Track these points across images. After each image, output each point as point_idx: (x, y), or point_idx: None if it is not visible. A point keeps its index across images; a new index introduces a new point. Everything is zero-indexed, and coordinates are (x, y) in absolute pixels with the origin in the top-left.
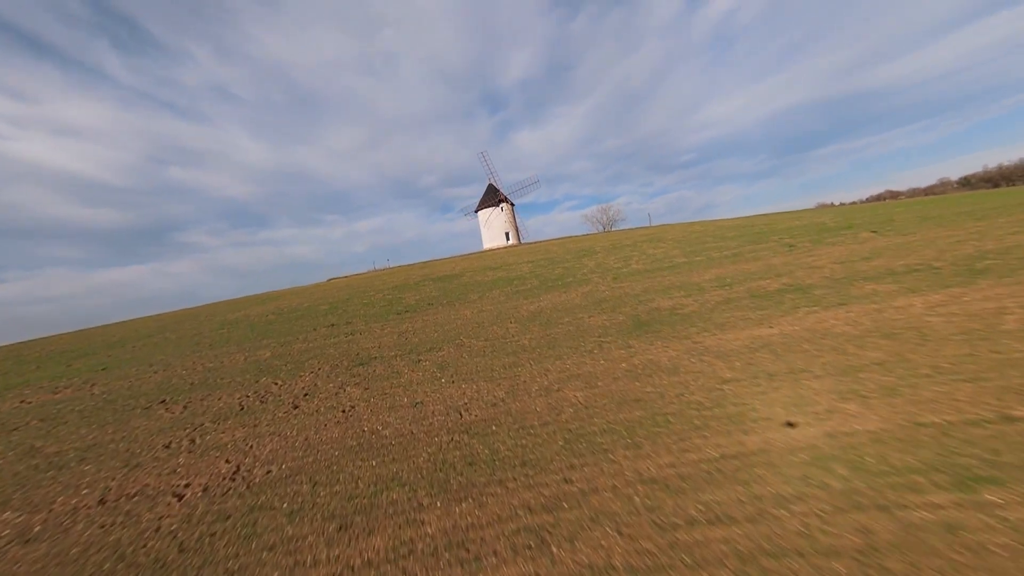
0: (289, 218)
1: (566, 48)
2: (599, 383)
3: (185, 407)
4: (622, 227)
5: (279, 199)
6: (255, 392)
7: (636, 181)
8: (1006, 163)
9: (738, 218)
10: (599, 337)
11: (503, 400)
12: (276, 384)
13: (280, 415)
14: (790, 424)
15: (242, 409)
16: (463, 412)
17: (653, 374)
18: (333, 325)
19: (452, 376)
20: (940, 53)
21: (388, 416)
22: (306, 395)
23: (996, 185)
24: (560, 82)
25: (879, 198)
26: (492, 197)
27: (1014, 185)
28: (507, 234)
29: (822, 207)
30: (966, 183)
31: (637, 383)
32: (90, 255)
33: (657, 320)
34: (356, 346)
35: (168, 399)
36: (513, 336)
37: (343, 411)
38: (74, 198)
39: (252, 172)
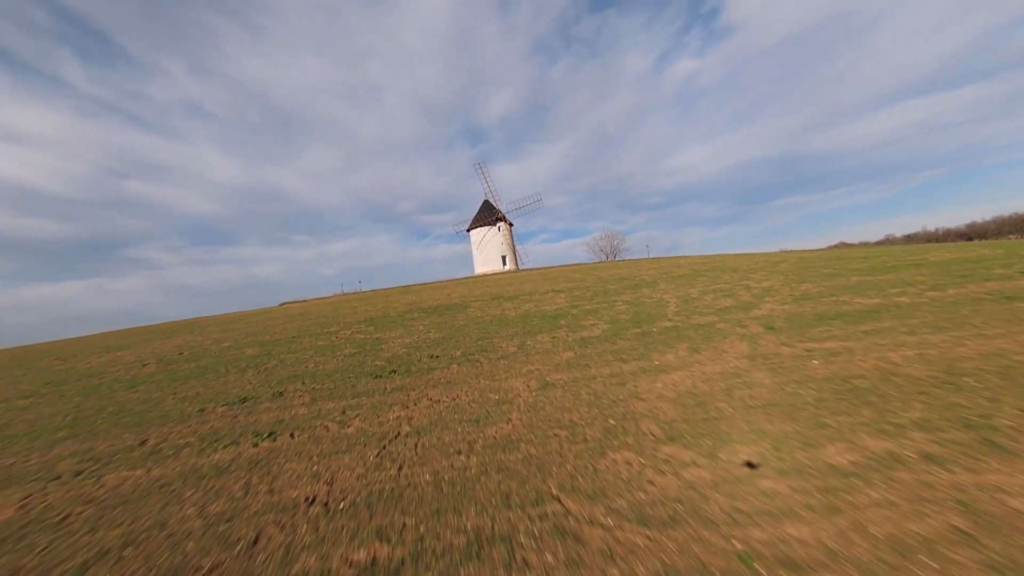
0: (256, 237)
1: (545, 91)
2: None
3: None
4: (627, 257)
5: (247, 217)
6: None
7: (608, 218)
8: (979, 220)
9: (807, 251)
10: None
11: None
12: None
13: None
14: None
15: None
16: None
17: None
18: (245, 401)
19: None
20: (870, 127)
21: None
22: None
23: (971, 239)
24: (539, 122)
25: (835, 248)
26: (488, 215)
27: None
28: (504, 258)
29: (784, 251)
30: (910, 239)
31: None
32: (18, 268)
33: None
34: (263, 489)
35: None
36: (721, 511)
37: None
38: (7, 207)
39: (220, 189)
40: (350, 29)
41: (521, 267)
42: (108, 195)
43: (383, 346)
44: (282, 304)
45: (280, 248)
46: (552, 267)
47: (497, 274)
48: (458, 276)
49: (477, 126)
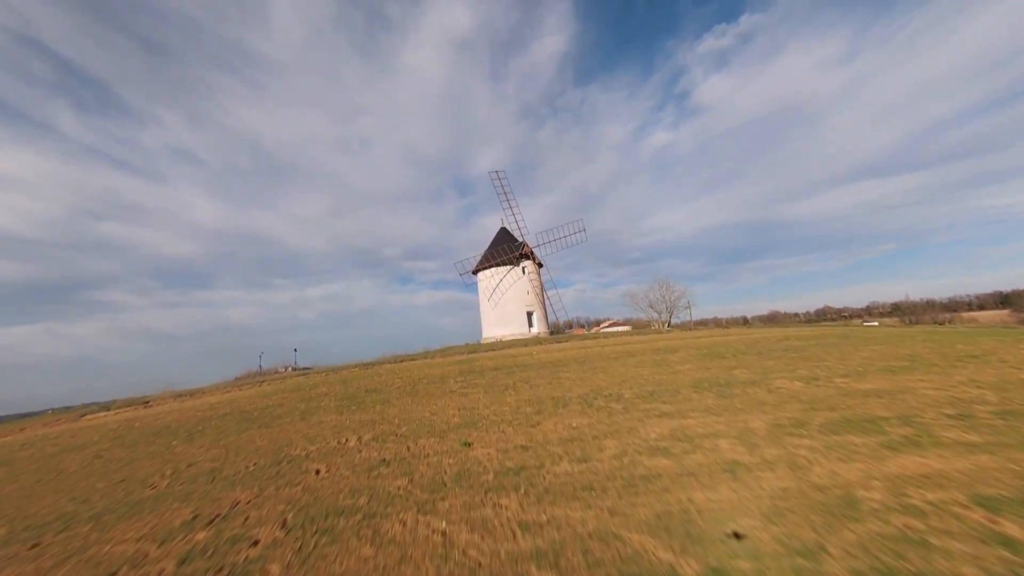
0: (233, 279)
1: (532, 152)
2: None
3: None
4: (684, 318)
5: (226, 260)
6: None
7: (591, 271)
8: (980, 292)
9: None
10: None
11: None
12: None
13: None
14: None
15: None
16: None
17: None
18: None
19: None
20: (827, 203)
21: None
22: None
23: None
24: (525, 179)
25: (822, 313)
26: (507, 251)
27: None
28: (530, 315)
29: (773, 313)
30: (896, 308)
31: None
32: None
33: None
34: None
35: None
36: None
37: None
38: None
39: (201, 231)
40: (347, 88)
41: (555, 331)
42: (78, 236)
43: None
44: (83, 416)
45: (258, 292)
46: (613, 333)
47: (527, 342)
48: (454, 344)
49: (465, 179)
